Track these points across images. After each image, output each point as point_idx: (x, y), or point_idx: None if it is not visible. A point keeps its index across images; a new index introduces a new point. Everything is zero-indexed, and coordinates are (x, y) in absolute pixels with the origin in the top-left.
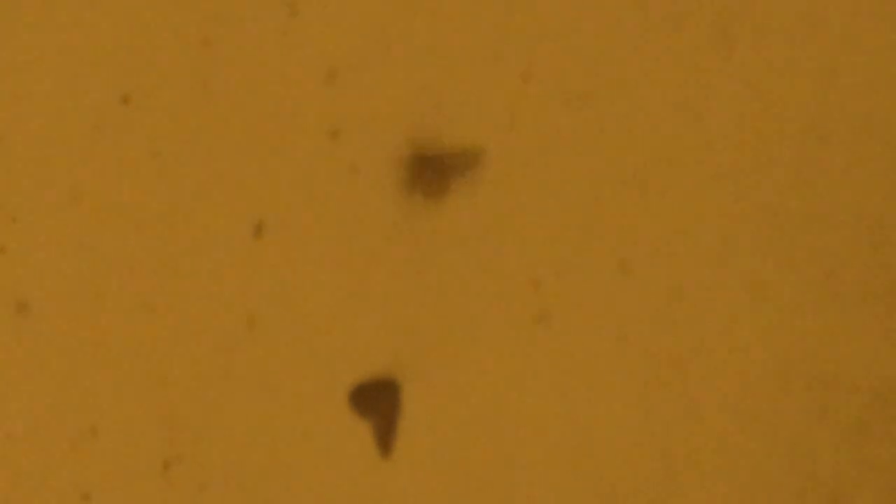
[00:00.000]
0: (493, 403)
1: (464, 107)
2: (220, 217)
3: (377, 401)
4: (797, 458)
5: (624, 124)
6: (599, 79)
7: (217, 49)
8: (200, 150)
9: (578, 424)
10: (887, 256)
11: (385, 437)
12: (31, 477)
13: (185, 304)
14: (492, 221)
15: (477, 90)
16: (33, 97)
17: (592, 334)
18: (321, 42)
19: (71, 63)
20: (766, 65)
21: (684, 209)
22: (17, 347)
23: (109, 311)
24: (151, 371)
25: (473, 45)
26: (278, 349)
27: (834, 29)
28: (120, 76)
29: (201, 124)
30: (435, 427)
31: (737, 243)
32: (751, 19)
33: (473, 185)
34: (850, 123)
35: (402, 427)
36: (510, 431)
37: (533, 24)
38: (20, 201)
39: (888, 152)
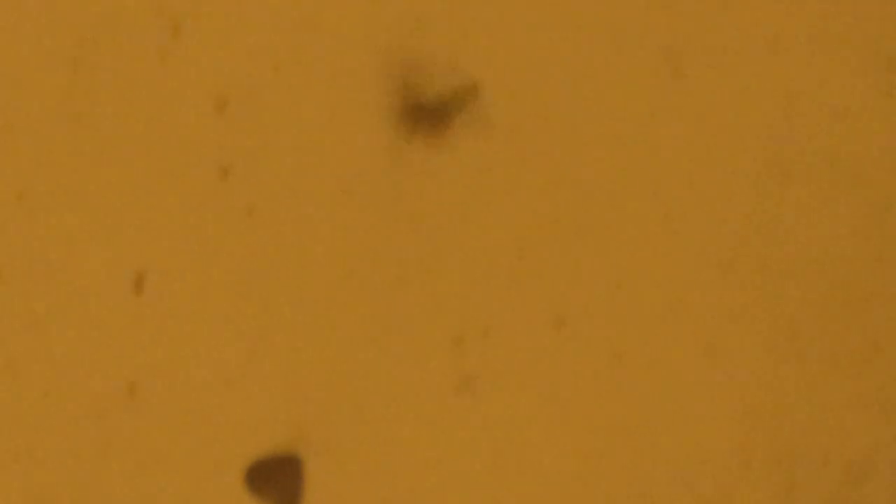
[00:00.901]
0: (408, 480)
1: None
2: (94, 268)
3: (277, 479)
4: None
5: (564, 164)
6: (538, 117)
7: (89, 74)
8: (71, 190)
9: (504, 491)
10: (858, 313)
11: None
12: None
13: (55, 369)
14: (411, 272)
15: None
16: None
17: (522, 400)
18: (209, 66)
19: None
20: (720, 99)
21: (629, 259)
22: None
23: None
24: (18, 445)
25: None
26: (163, 420)
27: (792, 61)
28: None
29: (72, 161)
30: None
31: (688, 298)
32: (703, 52)
33: (391, 242)
34: (814, 159)
35: None
36: None
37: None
38: None
39: (859, 190)
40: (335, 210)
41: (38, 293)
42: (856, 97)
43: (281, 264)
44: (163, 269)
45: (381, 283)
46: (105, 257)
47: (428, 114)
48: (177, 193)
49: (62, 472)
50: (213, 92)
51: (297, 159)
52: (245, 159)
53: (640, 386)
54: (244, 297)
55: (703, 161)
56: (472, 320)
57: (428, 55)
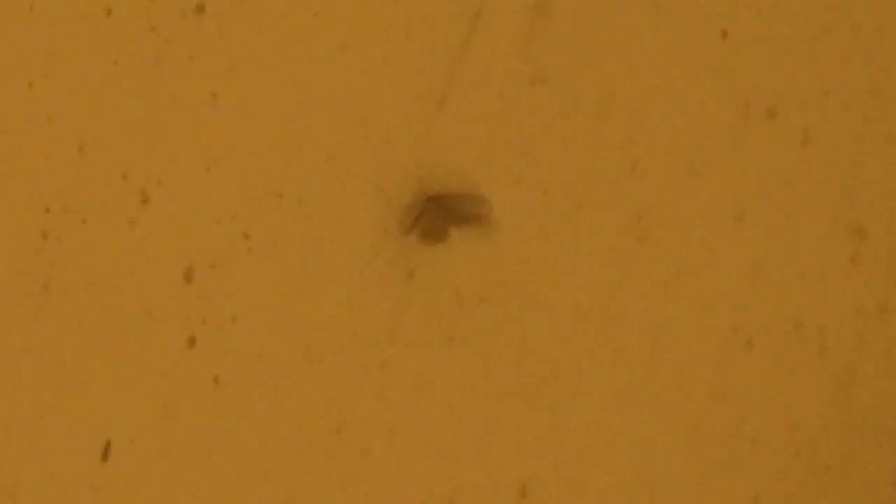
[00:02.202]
0: None
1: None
2: (62, 437)
3: None
4: None
5: (525, 331)
6: (508, 283)
7: (57, 243)
8: (37, 362)
9: None
10: (822, 482)
11: None
12: None
13: None
14: (373, 441)
15: None
16: None
17: None
18: (178, 234)
19: None
20: (685, 266)
21: (592, 432)
22: None
23: None
24: None
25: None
26: None
27: (758, 229)
28: None
29: (38, 333)
30: None
31: (650, 471)
32: (669, 219)
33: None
34: (779, 326)
35: None
36: None
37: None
38: None
39: (824, 358)
40: (302, 377)
41: (8, 460)
42: (821, 265)
43: (247, 431)
44: (129, 438)
45: (347, 451)
46: (73, 426)
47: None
48: (144, 362)
49: None
50: (181, 260)
51: (264, 325)
52: (212, 327)
53: None
54: (210, 462)
55: (667, 327)
56: (439, 496)
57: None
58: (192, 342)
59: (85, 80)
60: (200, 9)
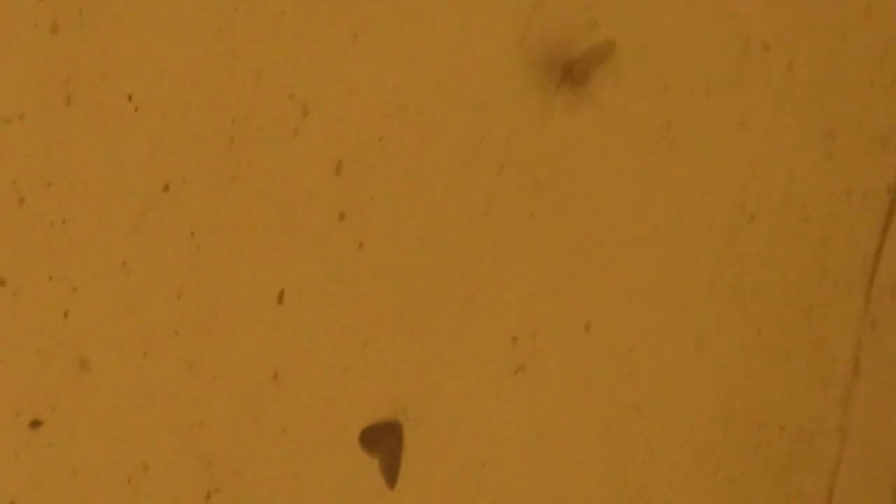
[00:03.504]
0: (479, 439)
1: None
2: (248, 286)
3: (383, 439)
4: (735, 487)
5: (586, 217)
6: (568, 166)
7: (241, 146)
8: (229, 230)
9: (552, 459)
10: (808, 319)
11: (390, 471)
12: None
13: (220, 361)
14: (475, 289)
15: None
16: (94, 189)
17: (562, 383)
18: (330, 138)
19: (122, 161)
20: (704, 161)
21: (639, 281)
22: (80, 397)
23: (156, 366)
24: (193, 417)
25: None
26: (299, 398)
27: (755, 133)
28: (162, 169)
29: (229, 209)
30: (432, 461)
31: (684, 309)
32: (694, 120)
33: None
34: (773, 205)
35: (404, 462)
36: (494, 463)
37: None
38: (80, 273)
39: (806, 226)
40: (428, 243)
41: (208, 306)
42: (802, 158)
43: (383, 282)
44: (297, 287)
45: (453, 295)
46: (256, 278)
47: (569, 75)
48: (307, 231)
49: (227, 438)
50: (332, 158)
51: (397, 205)
52: (355, 206)
53: (648, 373)
54: (357, 307)
55: (694, 205)
56: (525, 325)
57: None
58: (341, 217)
59: (263, 21)
60: None
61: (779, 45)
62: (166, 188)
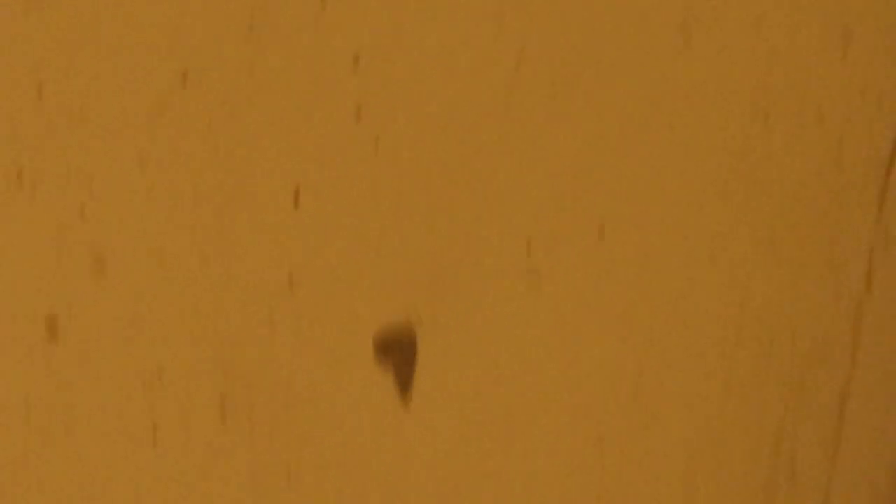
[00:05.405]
0: (494, 347)
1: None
2: (264, 185)
3: (397, 347)
4: (748, 396)
5: (601, 118)
6: (585, 68)
7: (260, 35)
8: (246, 122)
9: (566, 368)
10: (823, 229)
11: (404, 379)
12: (108, 411)
13: (236, 264)
14: (490, 189)
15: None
16: (110, 80)
17: (576, 290)
18: (348, 31)
19: (138, 48)
20: (723, 60)
21: (654, 182)
22: (96, 297)
23: (172, 269)
24: (208, 321)
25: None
26: (315, 304)
27: (773, 33)
28: (179, 58)
29: (246, 101)
30: (446, 371)
31: (698, 215)
32: (710, 26)
33: (471, 161)
34: (788, 105)
35: (418, 370)
36: (509, 371)
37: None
38: (97, 168)
39: (821, 127)
40: (441, 142)
41: (224, 205)
42: (819, 59)
43: (399, 182)
44: (313, 186)
45: (469, 204)
46: (272, 176)
47: None
48: (323, 127)
49: (241, 342)
50: (350, 51)
51: (414, 101)
52: (372, 102)
53: (663, 281)
54: (372, 208)
55: (709, 106)
56: (539, 230)
57: None
58: (358, 113)
59: None
60: None
61: None
62: (184, 77)
